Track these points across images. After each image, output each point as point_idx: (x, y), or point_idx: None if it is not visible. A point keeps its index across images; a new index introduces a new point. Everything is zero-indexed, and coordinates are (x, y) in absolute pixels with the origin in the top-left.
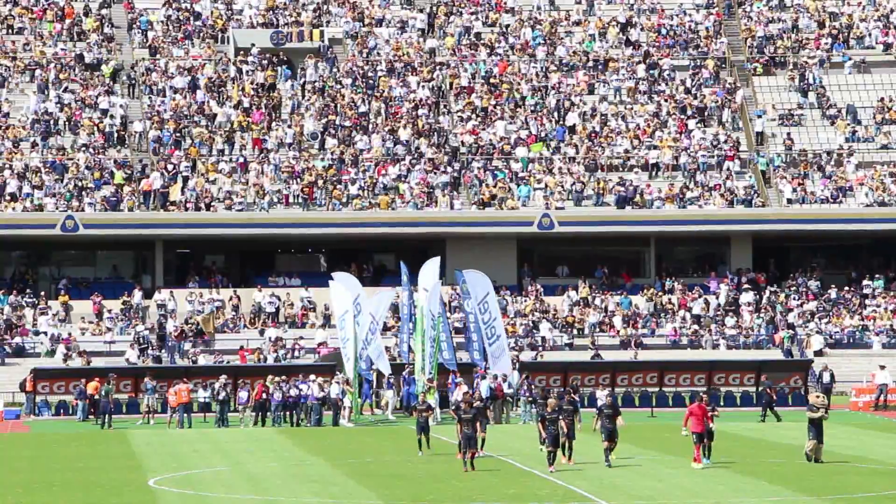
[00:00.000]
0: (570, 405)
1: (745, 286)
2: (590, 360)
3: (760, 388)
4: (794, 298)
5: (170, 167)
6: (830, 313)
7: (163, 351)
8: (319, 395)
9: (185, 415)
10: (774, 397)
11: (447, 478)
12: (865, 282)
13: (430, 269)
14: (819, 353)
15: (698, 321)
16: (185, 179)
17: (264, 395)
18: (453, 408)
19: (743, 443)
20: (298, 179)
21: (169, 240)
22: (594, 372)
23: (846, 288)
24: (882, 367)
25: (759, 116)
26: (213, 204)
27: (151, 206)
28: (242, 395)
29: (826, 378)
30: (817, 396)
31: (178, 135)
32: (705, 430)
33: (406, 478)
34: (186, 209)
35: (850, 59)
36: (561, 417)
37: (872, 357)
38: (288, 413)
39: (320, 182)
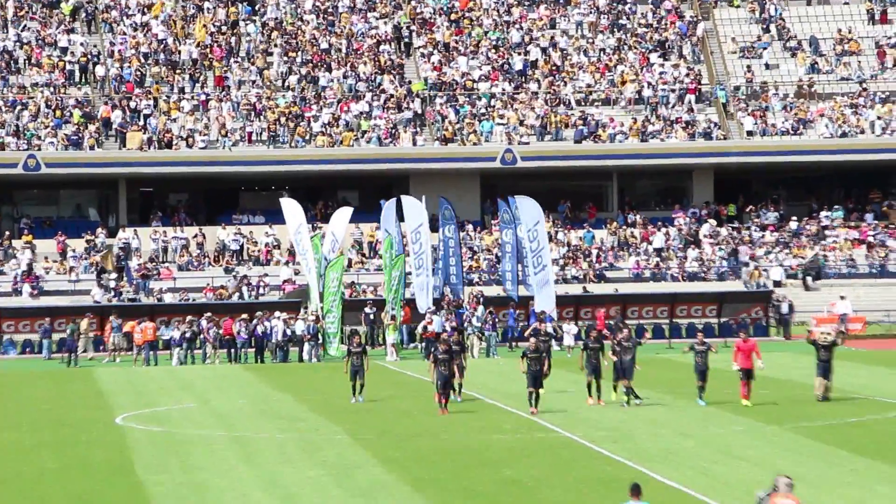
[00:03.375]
0: (596, 342)
1: (707, 219)
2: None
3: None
4: (754, 230)
5: (131, 105)
6: (790, 244)
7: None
8: (286, 332)
9: (151, 353)
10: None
11: (416, 413)
12: (825, 213)
13: (392, 208)
14: (778, 284)
15: (660, 254)
16: (146, 118)
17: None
18: (432, 349)
19: (712, 374)
20: (261, 117)
21: (132, 178)
22: (559, 306)
23: (806, 219)
24: (842, 298)
25: (723, 90)
26: (175, 142)
27: (111, 141)
28: (210, 332)
29: (784, 308)
30: (823, 334)
31: (138, 73)
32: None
33: (374, 413)
34: (149, 147)
35: None
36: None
37: (833, 287)
38: (254, 350)
39: (283, 119)
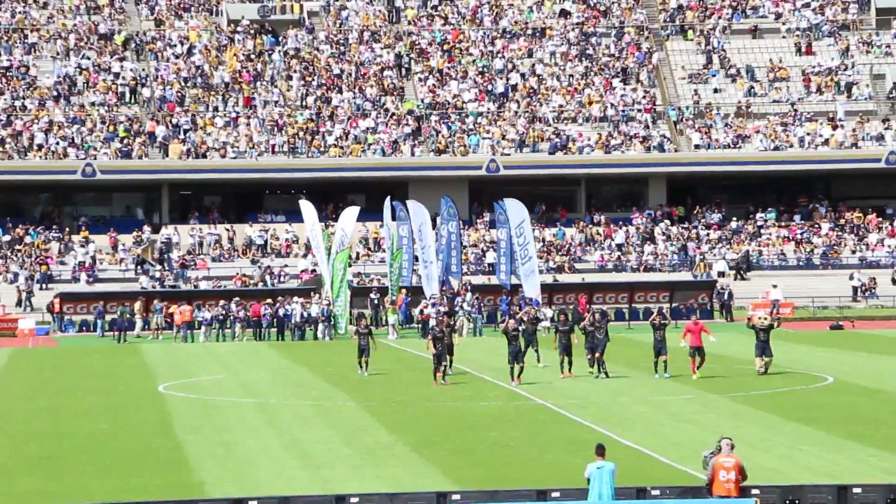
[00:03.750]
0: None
1: (660, 219)
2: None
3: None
4: (700, 228)
5: (173, 121)
6: (731, 241)
7: (168, 276)
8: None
9: (188, 331)
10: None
11: (413, 384)
12: (760, 214)
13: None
14: (721, 275)
15: (620, 249)
16: (185, 132)
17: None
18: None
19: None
20: (283, 131)
21: (173, 183)
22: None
23: (744, 220)
24: (774, 286)
25: (674, 110)
26: (209, 153)
27: (156, 152)
28: (239, 314)
29: (726, 296)
30: (761, 318)
31: (179, 94)
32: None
33: (377, 384)
34: (187, 157)
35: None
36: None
37: (767, 277)
38: (276, 330)
39: (301, 133)
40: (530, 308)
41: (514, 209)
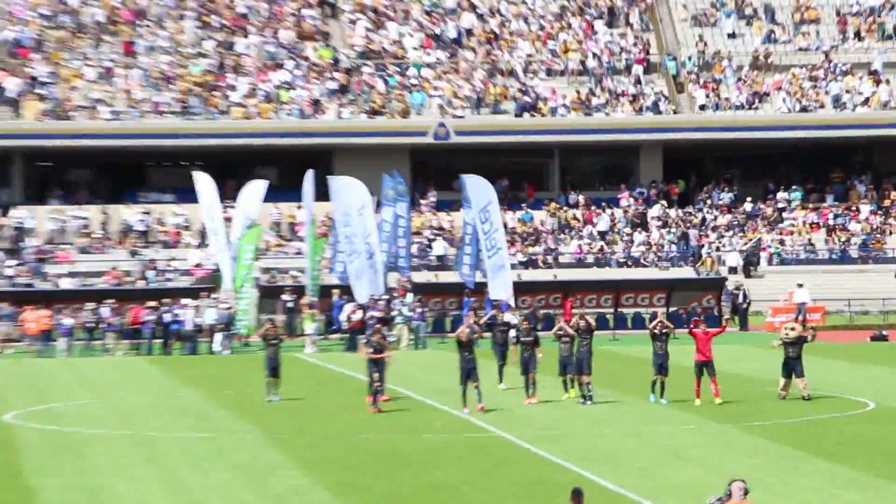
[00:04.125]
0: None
1: (655, 199)
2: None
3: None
4: (706, 212)
5: (28, 72)
6: (745, 228)
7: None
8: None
9: (45, 343)
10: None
11: (337, 410)
12: (782, 194)
13: (310, 184)
14: (733, 271)
15: (604, 237)
16: (45, 86)
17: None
18: (363, 342)
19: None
20: (172, 86)
21: (28, 152)
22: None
23: (761, 202)
24: (800, 286)
25: (673, 60)
26: (76, 113)
27: (7, 112)
28: (112, 321)
29: (740, 298)
30: (788, 329)
31: (37, 37)
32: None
33: (291, 410)
34: (47, 118)
35: None
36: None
37: (791, 274)
38: (161, 341)
39: (197, 89)
40: (497, 312)
41: (477, 188)
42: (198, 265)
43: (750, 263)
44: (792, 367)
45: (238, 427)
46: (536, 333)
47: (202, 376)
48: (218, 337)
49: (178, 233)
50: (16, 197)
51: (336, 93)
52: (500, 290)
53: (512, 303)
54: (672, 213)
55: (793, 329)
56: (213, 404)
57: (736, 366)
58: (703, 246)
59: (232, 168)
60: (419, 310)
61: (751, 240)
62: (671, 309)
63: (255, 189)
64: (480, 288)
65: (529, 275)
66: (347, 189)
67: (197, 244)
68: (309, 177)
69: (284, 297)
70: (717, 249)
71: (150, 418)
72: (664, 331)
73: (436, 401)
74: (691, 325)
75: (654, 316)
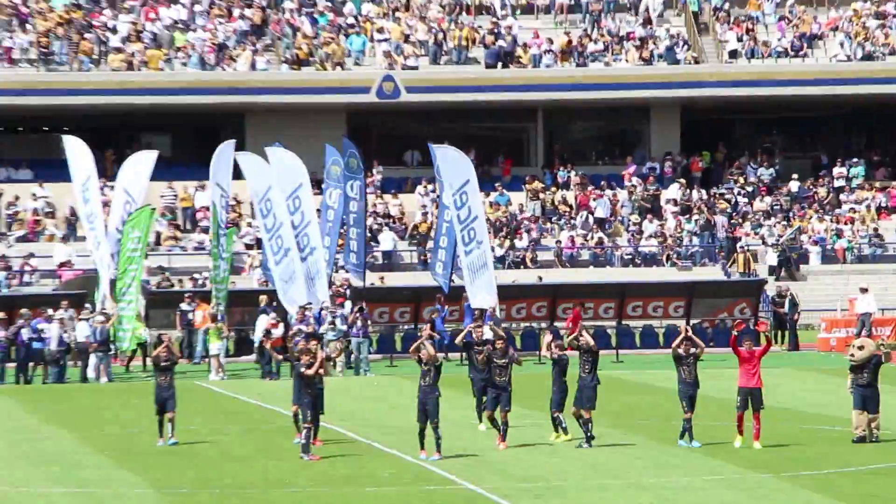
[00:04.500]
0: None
1: (671, 177)
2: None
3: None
4: (738, 193)
5: None
6: (790, 214)
7: None
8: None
9: None
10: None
11: (252, 455)
12: (838, 169)
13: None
14: (773, 271)
15: (603, 227)
16: None
17: None
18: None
19: (673, 398)
20: (28, 27)
21: None
22: (457, 300)
23: (811, 180)
24: (864, 291)
25: None
26: None
27: None
28: None
29: (785, 306)
30: (854, 348)
31: None
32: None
33: (190, 456)
34: None
35: None
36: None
37: (849, 275)
38: (16, 366)
39: (61, 31)
40: (477, 326)
41: (452, 163)
42: (65, 264)
43: (788, 261)
44: (864, 396)
45: (120, 478)
46: (515, 354)
47: (72, 411)
48: (93, 360)
49: (39, 220)
50: None
51: (248, 35)
52: (483, 296)
53: (499, 312)
54: (694, 194)
55: (861, 347)
56: (87, 449)
57: (783, 396)
58: (734, 238)
59: (109, 135)
60: (359, 323)
61: (790, 228)
62: (692, 321)
63: (140, 162)
64: (457, 293)
65: (506, 276)
66: (279, 163)
67: (63, 235)
68: (220, 151)
69: (182, 306)
70: (745, 249)
71: (1, 469)
72: (692, 351)
73: (384, 444)
74: (734, 337)
75: (673, 331)
